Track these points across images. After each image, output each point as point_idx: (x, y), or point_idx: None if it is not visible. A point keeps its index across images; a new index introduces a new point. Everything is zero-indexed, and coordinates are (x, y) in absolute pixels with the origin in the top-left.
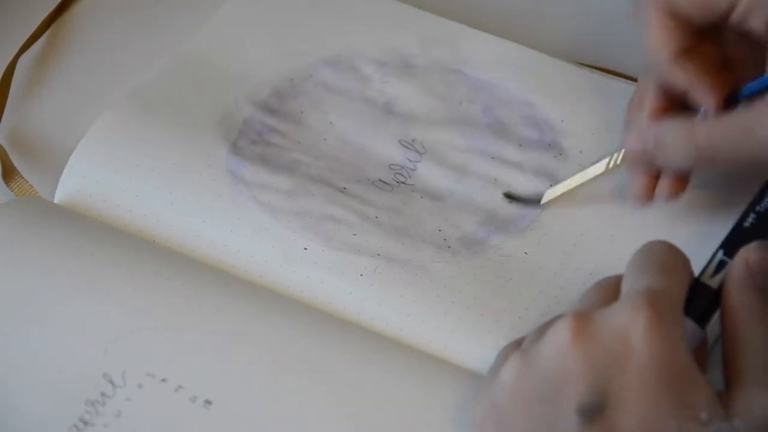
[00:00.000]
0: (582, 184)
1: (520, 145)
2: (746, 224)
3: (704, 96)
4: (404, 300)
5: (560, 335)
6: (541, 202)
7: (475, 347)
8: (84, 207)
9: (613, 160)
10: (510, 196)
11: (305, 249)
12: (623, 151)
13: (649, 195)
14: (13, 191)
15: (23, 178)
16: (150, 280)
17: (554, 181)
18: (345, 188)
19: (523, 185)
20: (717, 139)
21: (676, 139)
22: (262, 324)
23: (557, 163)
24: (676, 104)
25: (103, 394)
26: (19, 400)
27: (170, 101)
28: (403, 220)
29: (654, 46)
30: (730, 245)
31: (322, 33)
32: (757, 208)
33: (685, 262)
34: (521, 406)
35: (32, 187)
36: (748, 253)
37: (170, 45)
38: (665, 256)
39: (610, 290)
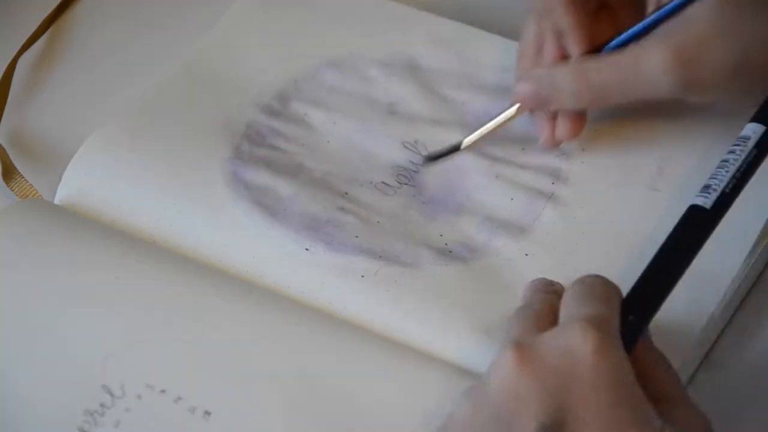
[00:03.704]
0: (497, 127)
1: (522, 149)
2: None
3: (573, 44)
4: (405, 303)
5: (504, 365)
6: (462, 147)
7: (474, 349)
8: (85, 207)
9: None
10: (430, 158)
11: (307, 250)
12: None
13: (553, 138)
14: (13, 191)
15: (23, 177)
16: (150, 288)
17: (557, 179)
18: (347, 193)
19: (526, 185)
20: (607, 77)
21: (569, 81)
22: (262, 334)
23: (560, 162)
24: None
25: (102, 405)
26: (19, 408)
27: (175, 105)
28: (404, 223)
29: None
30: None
31: (326, 35)
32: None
33: (618, 292)
34: None
35: (32, 186)
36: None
37: (170, 45)
38: (601, 288)
39: (537, 319)
